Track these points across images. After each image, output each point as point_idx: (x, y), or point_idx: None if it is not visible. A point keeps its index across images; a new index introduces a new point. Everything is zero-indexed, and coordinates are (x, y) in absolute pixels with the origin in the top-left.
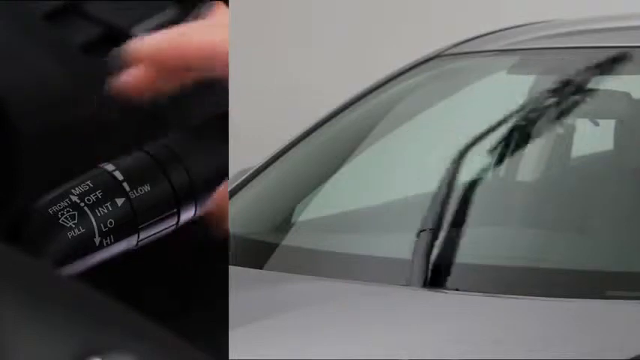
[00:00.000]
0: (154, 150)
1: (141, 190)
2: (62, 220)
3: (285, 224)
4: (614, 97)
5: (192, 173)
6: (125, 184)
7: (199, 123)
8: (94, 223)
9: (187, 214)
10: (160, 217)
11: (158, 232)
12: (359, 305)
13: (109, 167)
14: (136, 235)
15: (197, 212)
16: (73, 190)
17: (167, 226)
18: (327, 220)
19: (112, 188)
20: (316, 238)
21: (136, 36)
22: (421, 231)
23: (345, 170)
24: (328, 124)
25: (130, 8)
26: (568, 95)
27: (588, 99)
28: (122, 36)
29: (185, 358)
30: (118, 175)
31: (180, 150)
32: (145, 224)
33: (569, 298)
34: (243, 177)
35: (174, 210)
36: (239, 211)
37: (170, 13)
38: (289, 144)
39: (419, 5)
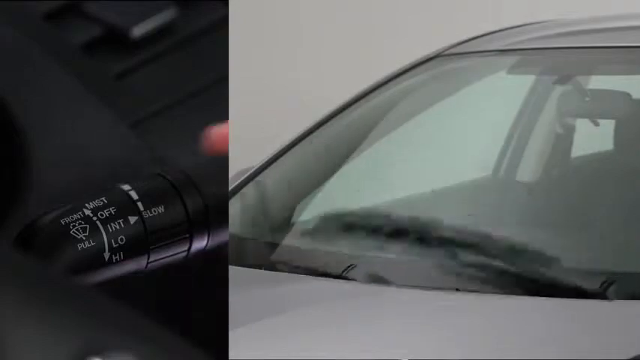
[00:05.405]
0: (172, 175)
1: (155, 211)
2: (73, 232)
3: (285, 224)
4: (614, 97)
5: (208, 203)
6: (139, 204)
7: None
8: (105, 238)
9: (200, 243)
10: (171, 241)
11: (169, 257)
12: (359, 305)
13: (126, 187)
14: (146, 256)
15: (209, 243)
16: (87, 205)
17: (178, 251)
18: (327, 220)
19: (125, 206)
20: (316, 238)
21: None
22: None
23: (345, 170)
24: (328, 124)
25: (130, 8)
26: (568, 95)
27: (588, 99)
28: (122, 36)
29: (185, 358)
30: (134, 194)
31: (197, 178)
32: (156, 245)
33: (569, 298)
34: (243, 177)
35: (187, 235)
36: (239, 211)
37: (170, 13)
38: (289, 144)
39: (419, 5)
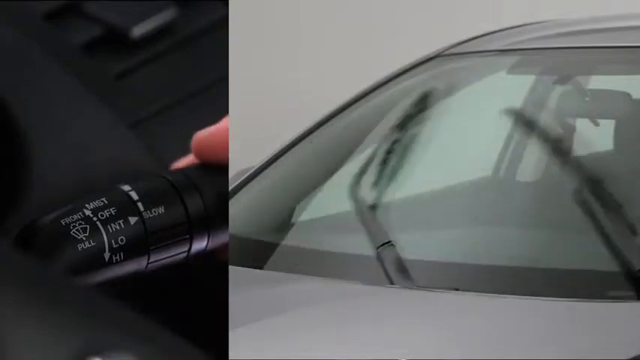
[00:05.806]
0: (172, 175)
1: (155, 212)
2: (73, 232)
3: (285, 224)
4: (614, 97)
5: (208, 204)
6: (139, 204)
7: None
8: (105, 238)
9: (200, 243)
10: (171, 241)
11: (169, 257)
12: (359, 305)
13: (126, 187)
14: (147, 256)
15: (210, 243)
16: (87, 205)
17: (178, 251)
18: (327, 220)
19: (126, 206)
20: (316, 238)
21: (136, 37)
22: (382, 244)
23: (345, 170)
24: (328, 124)
25: (130, 8)
26: (568, 95)
27: (588, 99)
28: (122, 36)
29: (185, 358)
30: (134, 195)
31: (198, 180)
32: (157, 246)
33: (569, 298)
34: (243, 177)
35: (187, 236)
36: (239, 211)
37: (170, 13)
38: (289, 144)
39: (419, 5)
